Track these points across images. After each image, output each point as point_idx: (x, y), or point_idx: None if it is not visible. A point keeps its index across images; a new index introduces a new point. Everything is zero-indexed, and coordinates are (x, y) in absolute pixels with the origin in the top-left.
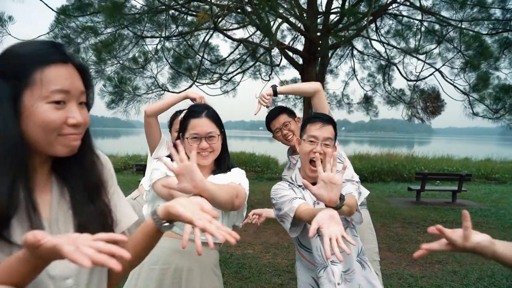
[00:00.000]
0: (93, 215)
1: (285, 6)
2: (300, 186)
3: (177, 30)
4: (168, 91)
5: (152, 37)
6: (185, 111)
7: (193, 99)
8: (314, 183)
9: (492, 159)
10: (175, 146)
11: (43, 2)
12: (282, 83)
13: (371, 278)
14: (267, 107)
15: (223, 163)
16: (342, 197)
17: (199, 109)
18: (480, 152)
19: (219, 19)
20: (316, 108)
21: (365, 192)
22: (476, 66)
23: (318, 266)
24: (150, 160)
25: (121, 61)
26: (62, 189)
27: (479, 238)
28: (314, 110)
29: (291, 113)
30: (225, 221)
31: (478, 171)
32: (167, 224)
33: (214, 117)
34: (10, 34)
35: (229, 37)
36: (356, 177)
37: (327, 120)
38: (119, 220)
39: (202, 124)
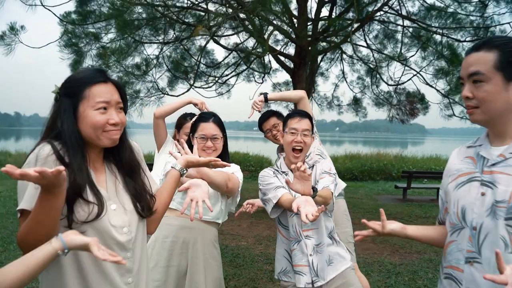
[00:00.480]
0: (139, 186)
1: (277, 14)
2: (283, 172)
3: (174, 35)
4: (168, 94)
5: (150, 42)
6: (196, 116)
7: (195, 104)
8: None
9: None
10: (179, 142)
11: (52, 13)
12: (275, 85)
13: (341, 252)
14: (259, 111)
15: (223, 160)
16: (315, 190)
17: (207, 115)
18: None
19: (215, 29)
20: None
21: (342, 184)
22: (447, 72)
23: (292, 240)
24: (157, 156)
25: (124, 67)
26: (112, 170)
27: (392, 226)
28: None
29: (280, 116)
30: (223, 206)
31: None
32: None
33: (219, 123)
34: (22, 42)
35: (224, 46)
36: (334, 170)
37: (304, 114)
38: (151, 188)
39: (209, 128)
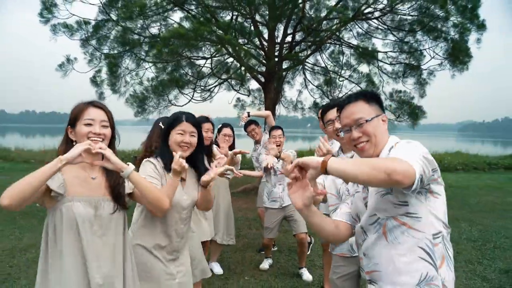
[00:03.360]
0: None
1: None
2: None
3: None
4: (175, 105)
5: (153, 62)
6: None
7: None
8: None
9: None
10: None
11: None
12: (249, 91)
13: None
14: (245, 122)
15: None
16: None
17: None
18: (437, 146)
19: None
20: (269, 123)
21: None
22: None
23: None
24: None
25: (138, 83)
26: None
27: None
28: (267, 125)
29: (257, 124)
30: None
31: None
32: None
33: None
34: (74, 69)
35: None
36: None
37: (279, 127)
38: None
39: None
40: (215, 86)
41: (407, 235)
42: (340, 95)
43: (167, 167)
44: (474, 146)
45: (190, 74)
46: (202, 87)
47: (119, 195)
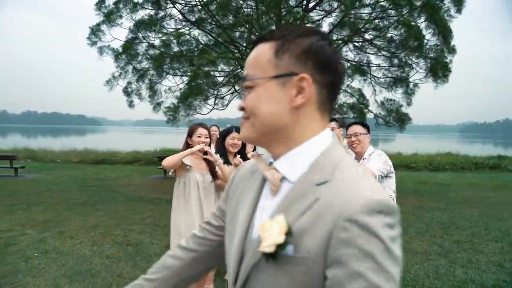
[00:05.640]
0: None
1: None
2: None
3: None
4: (200, 113)
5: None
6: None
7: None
8: None
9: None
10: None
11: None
12: None
13: None
14: None
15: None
16: None
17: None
18: (437, 148)
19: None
20: None
21: None
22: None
23: None
24: None
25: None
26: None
27: None
28: None
29: None
30: None
31: (399, 162)
32: None
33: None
34: (118, 84)
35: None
36: None
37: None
38: None
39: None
40: (228, 95)
41: None
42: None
43: (225, 160)
44: (474, 147)
45: (206, 84)
46: (216, 95)
47: (214, 172)
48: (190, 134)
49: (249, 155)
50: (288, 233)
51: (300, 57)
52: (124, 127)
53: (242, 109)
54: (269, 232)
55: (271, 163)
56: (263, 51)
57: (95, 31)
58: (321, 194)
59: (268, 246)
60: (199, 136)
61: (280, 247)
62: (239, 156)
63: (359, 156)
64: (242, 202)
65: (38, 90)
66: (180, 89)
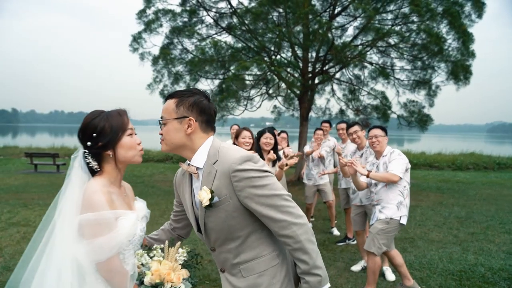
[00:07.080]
0: None
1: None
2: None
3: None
4: (233, 114)
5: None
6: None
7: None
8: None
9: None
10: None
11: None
12: (286, 100)
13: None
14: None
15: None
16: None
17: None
18: (463, 147)
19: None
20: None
21: None
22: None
23: None
24: None
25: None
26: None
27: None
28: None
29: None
30: None
31: (423, 161)
32: None
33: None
34: (159, 87)
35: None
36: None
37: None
38: None
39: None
40: (257, 96)
41: (396, 185)
42: (361, 107)
43: (260, 156)
44: (501, 148)
45: (237, 87)
46: (246, 97)
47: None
48: (236, 136)
49: (285, 150)
50: (212, 192)
51: (189, 107)
52: (154, 126)
53: (161, 134)
54: (203, 196)
55: (189, 164)
56: (170, 104)
57: (136, 38)
58: (218, 167)
59: (206, 202)
60: (243, 138)
61: (211, 199)
62: (272, 151)
63: (378, 154)
64: (184, 190)
65: (64, 90)
66: (212, 91)
